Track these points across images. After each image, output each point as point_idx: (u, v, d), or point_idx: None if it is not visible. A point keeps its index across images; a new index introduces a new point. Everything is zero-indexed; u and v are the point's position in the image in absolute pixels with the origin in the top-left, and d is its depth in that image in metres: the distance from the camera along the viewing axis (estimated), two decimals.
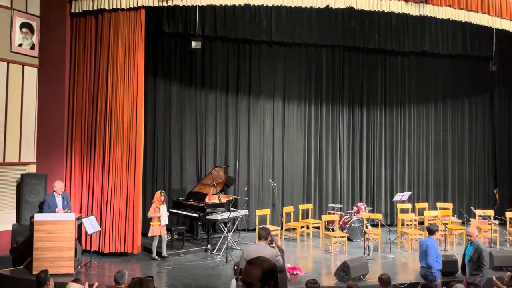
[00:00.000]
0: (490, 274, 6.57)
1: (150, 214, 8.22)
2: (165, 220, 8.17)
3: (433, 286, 6.24)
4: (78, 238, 7.82)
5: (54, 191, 7.71)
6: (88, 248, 7.97)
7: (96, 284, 5.38)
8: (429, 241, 6.48)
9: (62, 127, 8.41)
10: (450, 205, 10.98)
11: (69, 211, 7.69)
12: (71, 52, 8.50)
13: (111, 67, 8.31)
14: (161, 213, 8.14)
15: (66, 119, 8.44)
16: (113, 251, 8.20)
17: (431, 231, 6.61)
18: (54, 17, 8.47)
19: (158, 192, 8.46)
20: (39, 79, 8.49)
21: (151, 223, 8.18)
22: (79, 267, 7.51)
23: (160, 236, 8.15)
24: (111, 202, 8.21)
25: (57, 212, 7.52)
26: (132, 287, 3.44)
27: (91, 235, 7.77)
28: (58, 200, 7.71)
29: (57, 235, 7.13)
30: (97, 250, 8.20)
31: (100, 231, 8.01)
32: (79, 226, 7.77)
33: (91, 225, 7.54)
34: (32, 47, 8.43)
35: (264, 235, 5.10)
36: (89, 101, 8.42)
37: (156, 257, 8.18)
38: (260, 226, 6.58)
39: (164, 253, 8.25)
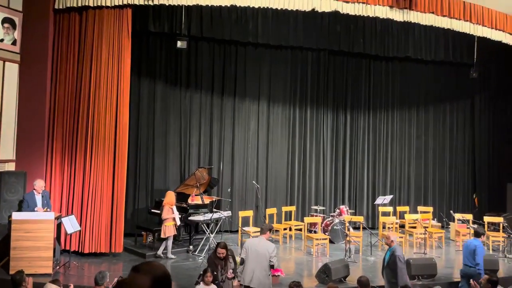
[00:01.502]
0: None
1: (165, 215, 8.23)
2: (179, 220, 8.34)
3: (478, 282, 6.30)
4: (57, 238, 7.69)
5: (34, 189, 7.55)
6: (68, 248, 7.84)
7: (71, 286, 5.27)
8: (477, 243, 6.84)
9: (43, 125, 8.26)
10: (430, 208, 11.15)
11: (48, 210, 7.55)
12: (53, 49, 8.37)
13: (95, 65, 8.21)
14: (175, 213, 8.24)
15: (47, 117, 8.30)
16: (94, 251, 8.09)
17: (478, 233, 7.04)
18: (37, 13, 8.33)
19: (172, 192, 8.54)
20: (20, 76, 8.33)
21: (165, 224, 8.19)
22: (58, 267, 7.39)
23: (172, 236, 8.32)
24: (93, 202, 8.10)
25: (37, 211, 7.38)
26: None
27: (70, 235, 7.65)
28: (38, 198, 7.57)
29: (36, 234, 7.00)
30: (76, 250, 8.08)
31: (80, 231, 7.90)
32: (59, 226, 7.65)
33: (70, 224, 7.43)
34: (14, 43, 8.27)
35: (264, 230, 6.15)
36: (71, 100, 8.30)
37: (173, 256, 8.31)
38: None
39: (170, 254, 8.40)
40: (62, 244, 7.94)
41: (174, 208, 8.35)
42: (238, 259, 6.70)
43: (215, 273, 5.75)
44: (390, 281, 6.16)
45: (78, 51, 8.31)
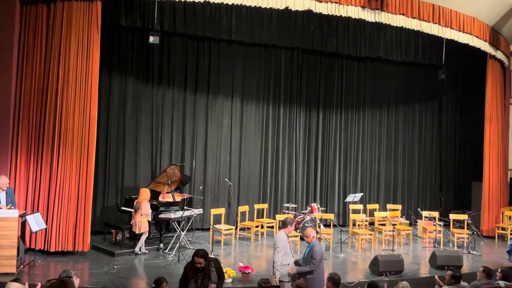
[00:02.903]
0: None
1: (145, 211, 8.26)
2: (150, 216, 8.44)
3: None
4: (22, 236, 7.46)
5: None
6: (33, 246, 7.61)
7: (39, 285, 5.13)
8: None
9: (8, 120, 7.97)
10: (399, 206, 11.40)
11: (13, 207, 7.31)
12: (20, 41, 8.08)
13: (63, 59, 7.97)
14: (149, 209, 8.37)
15: (12, 112, 8.01)
16: (60, 249, 7.89)
17: None
18: (2, 4, 8.00)
19: (147, 189, 8.58)
20: None
21: (140, 220, 8.18)
22: (22, 266, 7.17)
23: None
24: (59, 199, 7.89)
25: (0, 208, 7.14)
26: None
27: (36, 233, 7.44)
28: (2, 196, 7.32)
29: None
30: (42, 248, 7.85)
31: (46, 229, 7.69)
32: (23, 224, 7.41)
33: (36, 222, 7.22)
34: None
35: (286, 224, 6.42)
36: (38, 94, 8.04)
37: (146, 251, 8.41)
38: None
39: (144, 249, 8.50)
40: (27, 242, 7.71)
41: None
42: (231, 271, 6.71)
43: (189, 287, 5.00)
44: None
45: (45, 44, 8.06)
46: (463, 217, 10.50)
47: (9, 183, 7.54)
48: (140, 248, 8.40)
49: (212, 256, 6.72)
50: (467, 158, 13.18)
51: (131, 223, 8.40)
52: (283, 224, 6.48)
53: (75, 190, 7.94)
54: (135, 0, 8.41)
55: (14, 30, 8.01)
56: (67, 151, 7.94)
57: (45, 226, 7.54)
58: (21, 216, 7.28)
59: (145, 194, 8.45)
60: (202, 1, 8.35)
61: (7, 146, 7.97)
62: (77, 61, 8.03)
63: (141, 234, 8.33)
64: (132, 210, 8.88)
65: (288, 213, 10.33)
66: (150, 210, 8.43)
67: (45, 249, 7.87)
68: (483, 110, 11.60)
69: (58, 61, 7.98)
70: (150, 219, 8.43)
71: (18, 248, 7.12)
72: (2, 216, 6.89)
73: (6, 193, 7.36)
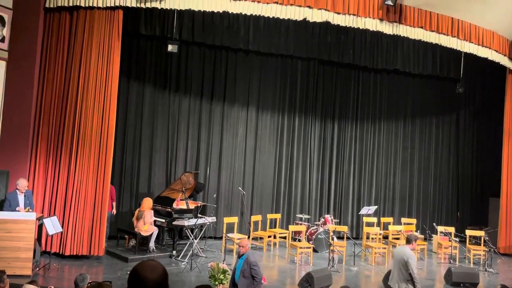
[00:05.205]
0: None
1: (150, 218, 8.67)
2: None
3: None
4: (38, 239, 7.57)
5: (17, 189, 7.44)
6: (48, 249, 7.72)
7: None
8: None
9: (29, 124, 8.16)
10: (414, 220, 11.25)
11: (31, 210, 7.44)
12: (42, 48, 8.29)
13: (84, 66, 8.14)
14: (152, 217, 8.80)
15: (33, 116, 8.20)
16: (75, 253, 7.97)
17: None
18: (27, 11, 8.26)
19: (150, 198, 8.98)
20: (7, 73, 8.22)
21: (143, 228, 8.59)
22: (37, 268, 7.27)
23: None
24: (76, 204, 8.00)
25: (18, 211, 7.26)
26: None
27: (52, 236, 7.54)
28: (21, 198, 7.45)
29: (16, 234, 6.89)
30: (57, 252, 7.95)
31: (61, 233, 7.79)
32: (40, 227, 7.53)
33: (52, 225, 7.32)
34: (2, 40, 8.18)
35: (410, 240, 6.23)
36: (58, 99, 8.21)
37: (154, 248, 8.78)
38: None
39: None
40: (43, 245, 7.82)
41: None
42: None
43: None
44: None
45: (67, 50, 8.24)
46: (480, 233, 10.29)
47: (27, 186, 7.68)
48: (151, 246, 8.75)
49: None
50: (485, 173, 12.96)
51: (135, 231, 8.65)
52: (408, 241, 6.37)
53: (91, 195, 8.04)
54: (155, 9, 8.54)
55: (37, 37, 8.23)
56: (85, 156, 8.06)
57: (61, 230, 7.64)
58: (38, 219, 7.40)
59: (147, 203, 8.78)
60: (220, 11, 8.45)
61: (27, 149, 8.13)
62: (97, 68, 8.18)
63: (151, 235, 8.64)
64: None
65: (301, 224, 10.26)
66: (154, 218, 8.75)
67: (60, 253, 7.97)
68: (502, 125, 11.42)
69: (79, 67, 8.14)
70: (153, 225, 8.72)
71: (34, 251, 7.21)
72: (20, 218, 7.01)
73: (25, 195, 7.49)
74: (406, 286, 5.93)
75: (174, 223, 8.74)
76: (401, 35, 9.42)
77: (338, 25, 8.98)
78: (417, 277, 5.96)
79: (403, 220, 11.36)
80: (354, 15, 8.83)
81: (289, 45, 10.94)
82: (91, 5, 8.03)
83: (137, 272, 1.99)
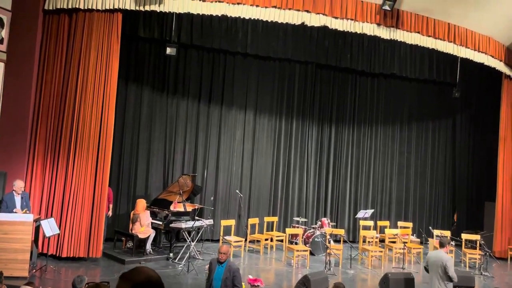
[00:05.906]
0: None
1: (147, 220, 8.72)
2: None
3: None
4: (35, 241, 7.56)
5: (13, 190, 7.43)
6: (45, 251, 7.71)
7: None
8: None
9: (26, 126, 8.16)
10: (410, 224, 11.30)
11: (27, 211, 7.43)
12: (41, 50, 8.30)
13: (82, 68, 8.15)
14: (149, 218, 8.88)
15: (31, 118, 8.20)
16: (72, 255, 7.96)
17: None
18: (26, 13, 8.27)
19: (143, 200, 9.03)
20: (5, 74, 8.23)
21: (140, 230, 8.63)
22: (34, 270, 7.26)
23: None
24: (73, 205, 7.99)
25: (15, 212, 7.26)
26: None
27: (49, 238, 7.53)
28: (17, 200, 7.44)
29: (13, 236, 6.88)
30: (54, 254, 7.94)
31: (58, 234, 7.78)
32: (37, 228, 7.52)
33: (49, 227, 7.32)
34: (1, 42, 8.19)
35: (443, 243, 6.26)
36: (57, 101, 8.22)
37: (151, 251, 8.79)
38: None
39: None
40: (40, 247, 7.80)
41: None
42: None
43: None
44: None
45: (66, 52, 8.26)
46: (476, 237, 10.36)
47: (24, 188, 7.66)
48: (148, 248, 8.74)
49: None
50: (480, 177, 13.03)
51: (132, 232, 8.68)
52: (441, 245, 6.40)
53: (89, 197, 8.04)
54: (154, 12, 8.58)
55: (36, 39, 8.24)
56: (83, 158, 8.06)
57: (58, 231, 7.63)
58: (36, 220, 7.39)
59: (141, 204, 8.81)
60: (219, 15, 8.49)
61: (25, 151, 8.13)
62: (96, 70, 8.20)
63: (148, 237, 8.66)
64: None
65: (298, 227, 10.29)
66: (150, 219, 8.79)
67: (57, 255, 7.96)
68: (498, 130, 11.50)
69: (78, 69, 8.16)
70: (149, 227, 8.74)
71: (31, 253, 7.20)
72: (17, 220, 7.00)
73: (22, 197, 7.47)
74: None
75: (171, 225, 8.74)
76: (398, 40, 9.51)
77: (336, 29, 9.05)
78: (456, 277, 6.09)
79: (400, 223, 11.41)
80: (351, 19, 8.91)
81: (287, 49, 10.99)
82: (90, 7, 8.05)
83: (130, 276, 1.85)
